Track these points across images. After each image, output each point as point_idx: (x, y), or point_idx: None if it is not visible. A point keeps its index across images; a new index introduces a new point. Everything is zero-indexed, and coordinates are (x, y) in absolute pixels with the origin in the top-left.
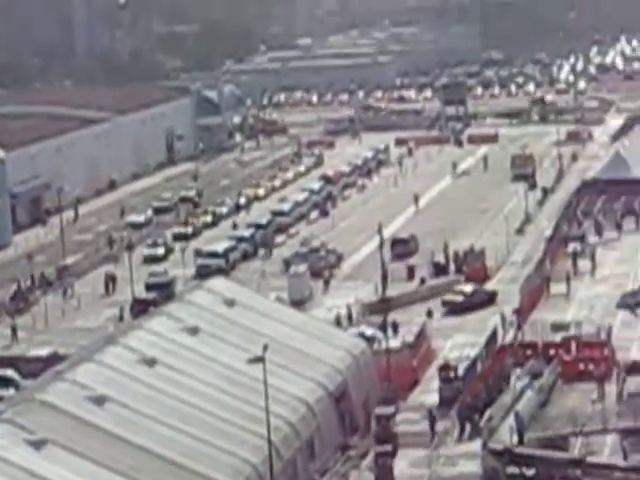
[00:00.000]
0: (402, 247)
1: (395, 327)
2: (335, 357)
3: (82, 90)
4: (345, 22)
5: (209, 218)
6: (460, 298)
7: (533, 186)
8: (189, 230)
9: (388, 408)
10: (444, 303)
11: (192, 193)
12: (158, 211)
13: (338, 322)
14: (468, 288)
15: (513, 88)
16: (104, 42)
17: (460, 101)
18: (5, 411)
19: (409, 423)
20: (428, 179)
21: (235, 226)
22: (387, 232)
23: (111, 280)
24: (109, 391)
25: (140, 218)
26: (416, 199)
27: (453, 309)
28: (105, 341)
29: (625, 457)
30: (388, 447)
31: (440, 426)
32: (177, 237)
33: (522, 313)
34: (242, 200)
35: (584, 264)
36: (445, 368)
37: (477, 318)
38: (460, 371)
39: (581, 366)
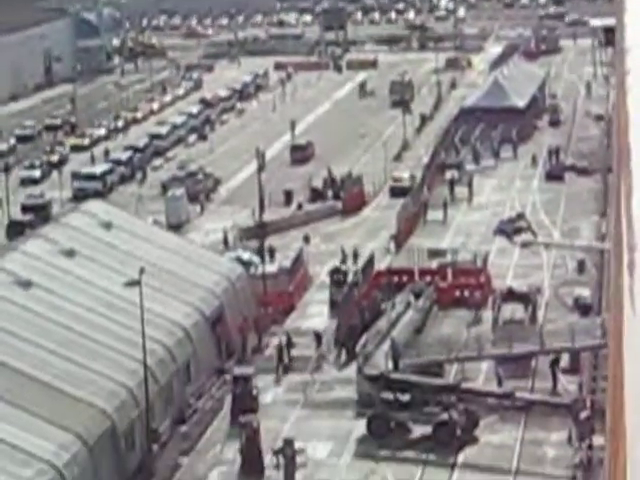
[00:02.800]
0: (301, 153)
1: (272, 252)
2: (212, 281)
3: None
4: None
5: (86, 141)
6: (407, 183)
7: (407, 111)
8: (55, 158)
9: (247, 368)
10: (392, 189)
11: (58, 121)
12: (21, 139)
13: (226, 242)
14: (405, 174)
15: (393, 14)
16: None
17: (340, 26)
18: None
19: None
20: (307, 104)
21: (107, 152)
22: (267, 155)
23: None
24: None
25: (2, 147)
26: (292, 126)
27: (401, 192)
28: None
29: (499, 383)
30: (251, 417)
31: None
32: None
33: (399, 239)
34: (120, 123)
35: (461, 191)
36: (336, 272)
37: (354, 244)
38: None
39: (457, 293)
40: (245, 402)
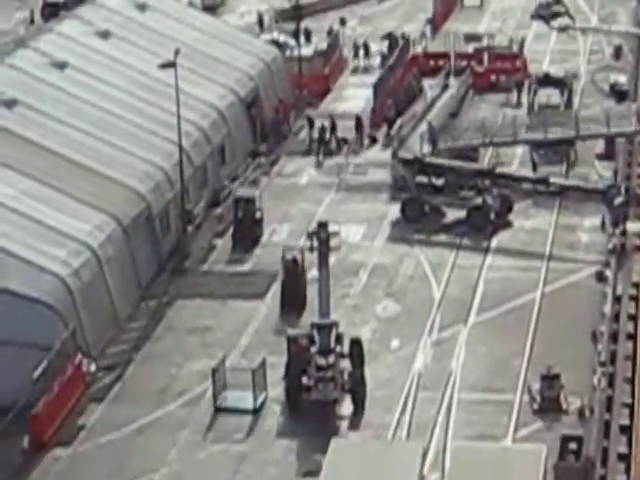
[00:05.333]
0: None
1: (308, 34)
2: (247, 63)
3: None
4: None
5: None
6: None
7: None
8: None
9: (250, 190)
10: None
11: None
12: None
13: (261, 24)
14: None
15: None
16: None
17: None
18: None
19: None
20: None
21: None
22: None
23: None
24: (19, 94)
25: None
26: None
27: None
28: (15, 44)
29: (534, 168)
30: (294, 252)
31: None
32: None
33: (435, 23)
34: None
35: None
36: (389, 36)
37: (390, 27)
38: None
39: (493, 77)
40: (248, 227)
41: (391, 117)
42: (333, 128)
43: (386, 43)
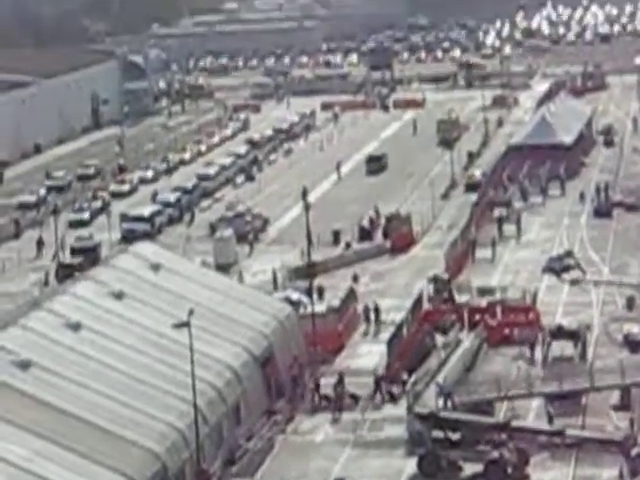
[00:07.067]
0: (376, 164)
1: (321, 292)
2: (261, 322)
3: (7, 54)
4: None
5: (126, 187)
6: (479, 179)
7: (449, 147)
8: (98, 205)
9: None
10: (466, 185)
11: (90, 171)
12: (52, 190)
13: (275, 282)
14: (477, 172)
15: (439, 53)
16: (29, 5)
17: (386, 66)
18: None
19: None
20: (354, 144)
21: (155, 195)
22: (312, 197)
23: (40, 244)
24: (34, 356)
25: (31, 198)
26: (338, 166)
27: (473, 187)
28: (30, 306)
29: (550, 421)
30: None
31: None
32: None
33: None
34: (168, 164)
35: (509, 229)
36: (435, 280)
37: (402, 283)
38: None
39: (506, 331)
40: None
41: (380, 376)
42: (317, 387)
43: (431, 286)
